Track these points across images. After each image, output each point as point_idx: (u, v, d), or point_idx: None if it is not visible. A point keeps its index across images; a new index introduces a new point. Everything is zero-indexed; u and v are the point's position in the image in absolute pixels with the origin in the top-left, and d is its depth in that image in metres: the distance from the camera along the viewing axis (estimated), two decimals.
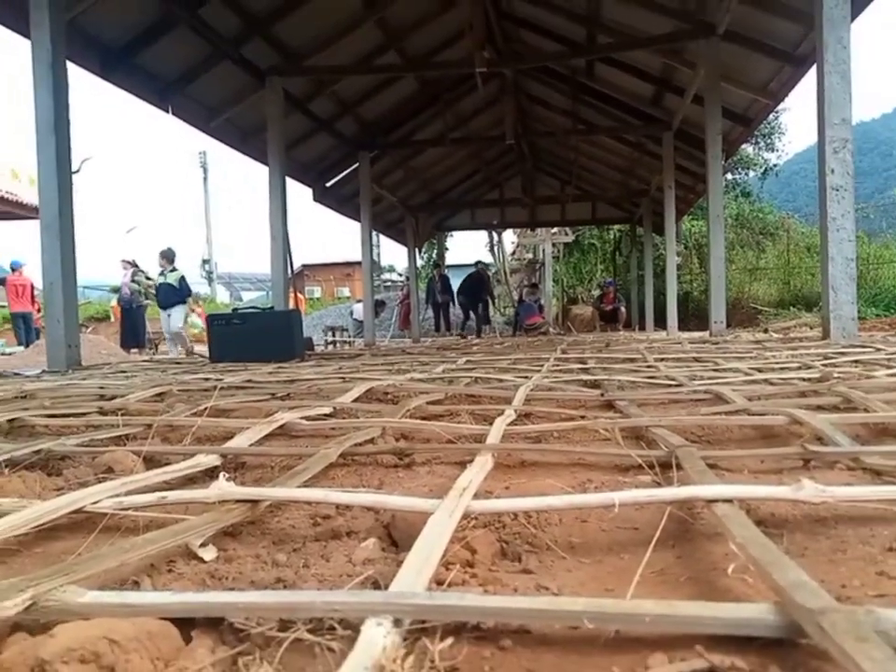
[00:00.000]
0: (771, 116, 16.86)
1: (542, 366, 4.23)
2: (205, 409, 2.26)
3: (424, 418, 2.21)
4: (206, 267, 34.24)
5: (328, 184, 12.07)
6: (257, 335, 5.85)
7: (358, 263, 14.14)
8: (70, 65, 5.94)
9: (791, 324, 10.23)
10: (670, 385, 3.09)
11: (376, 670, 0.60)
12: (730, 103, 9.64)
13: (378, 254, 26.63)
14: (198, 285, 37.04)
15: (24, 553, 1.10)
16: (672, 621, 0.67)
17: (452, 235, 19.94)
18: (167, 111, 8.51)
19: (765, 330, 9.90)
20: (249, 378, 3.80)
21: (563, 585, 0.91)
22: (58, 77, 5.55)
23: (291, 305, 12.80)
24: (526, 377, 3.41)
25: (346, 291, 33.27)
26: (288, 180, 9.83)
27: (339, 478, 1.56)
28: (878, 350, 4.82)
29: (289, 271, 9.20)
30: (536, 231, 17.52)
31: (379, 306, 14.77)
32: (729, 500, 1.08)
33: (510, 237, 20.26)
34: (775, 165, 21.08)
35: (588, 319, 15.48)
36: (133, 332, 12.30)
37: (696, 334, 9.90)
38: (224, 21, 7.95)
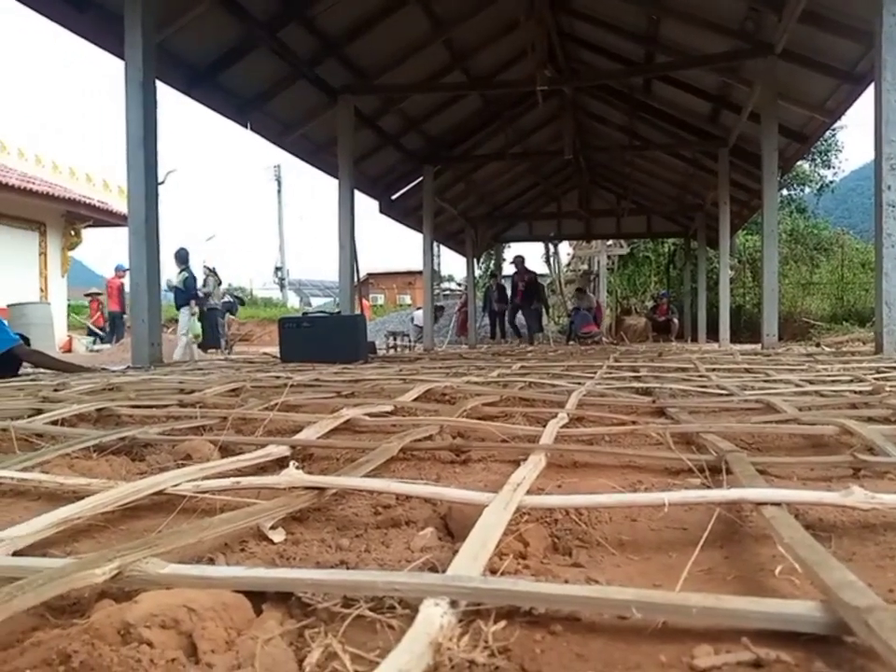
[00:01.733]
0: (828, 133, 16.76)
1: (595, 373, 4.34)
2: (276, 404, 2.36)
3: (480, 418, 2.30)
4: (279, 274, 35.73)
5: (393, 196, 12.56)
6: (324, 337, 6.16)
7: (419, 272, 14.64)
8: (158, 82, 6.24)
9: (843, 339, 10.26)
10: (721, 394, 3.15)
11: (433, 647, 0.63)
12: (786, 120, 9.73)
13: (438, 263, 27.07)
14: (270, 290, 38.40)
15: (111, 529, 1.17)
16: (719, 613, 0.70)
17: (509, 246, 20.31)
18: (245, 126, 9.04)
19: (818, 344, 9.91)
20: (317, 377, 3.98)
21: (611, 579, 0.95)
22: (147, 94, 5.90)
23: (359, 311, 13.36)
24: (579, 383, 3.53)
25: (408, 299, 34.08)
26: (356, 192, 10.33)
27: (399, 471, 1.63)
28: None
29: (356, 278, 9.67)
30: (591, 244, 17.77)
31: (438, 311, 15.20)
32: (777, 504, 1.13)
33: (565, 249, 20.64)
34: (831, 182, 21.03)
35: (641, 330, 15.65)
36: (210, 333, 12.84)
37: (748, 346, 9.99)
38: (301, 42, 8.43)
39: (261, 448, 1.60)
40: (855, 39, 7.63)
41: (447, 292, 24.53)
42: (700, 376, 4.31)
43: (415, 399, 2.84)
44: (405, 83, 9.82)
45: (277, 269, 35.08)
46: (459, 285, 24.44)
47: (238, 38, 8.01)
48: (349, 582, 0.75)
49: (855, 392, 3.20)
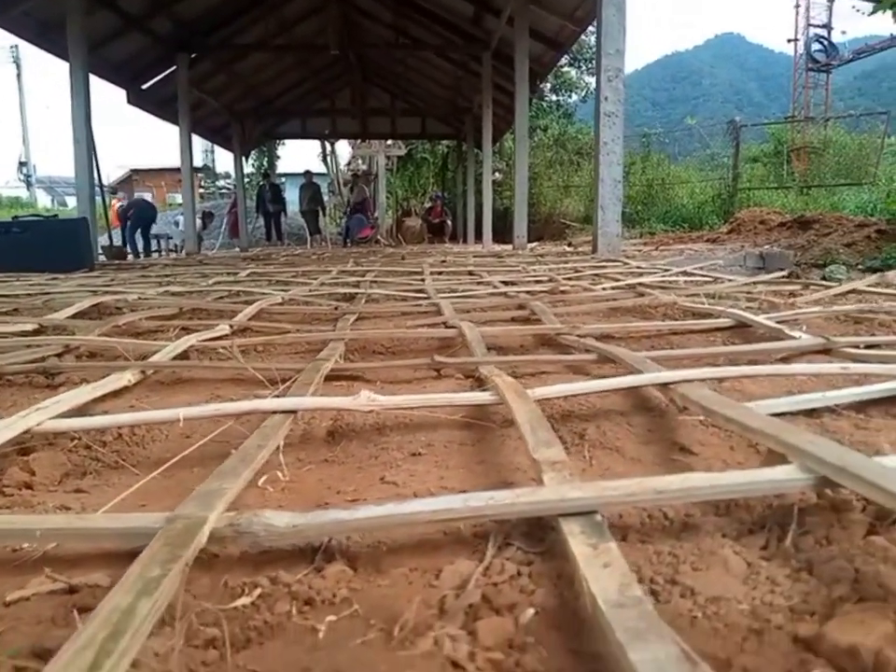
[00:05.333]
0: (593, 41, 17.47)
1: (317, 278, 4.54)
2: None
3: (138, 334, 2.35)
4: (24, 170, 31.59)
5: (144, 86, 11.46)
6: (40, 244, 5.65)
7: (195, 169, 13.76)
8: None
9: (591, 238, 11.11)
10: (417, 299, 3.52)
11: None
12: (542, 27, 10.03)
13: (212, 160, 25.55)
14: (16, 189, 34.06)
15: None
16: (67, 533, 0.79)
17: (283, 143, 19.54)
18: None
19: (569, 244, 10.68)
20: None
21: (93, 503, 1.01)
22: None
23: (111, 212, 12.30)
24: (286, 290, 3.66)
25: (179, 198, 31.76)
26: (103, 81, 9.37)
27: None
28: (625, 264, 5.54)
29: (97, 175, 8.89)
30: (370, 143, 17.58)
31: (206, 217, 14.45)
32: (293, 411, 1.26)
33: (345, 148, 20.21)
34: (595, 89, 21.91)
35: (418, 231, 15.94)
36: None
37: (506, 247, 10.56)
38: None
39: None
40: None
41: (223, 190, 23.32)
42: (420, 280, 4.54)
43: (77, 316, 2.74)
44: None
45: (21, 164, 31.07)
46: (231, 184, 23.30)
47: None
48: None
49: (534, 293, 3.57)
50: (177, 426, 1.34)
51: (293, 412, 1.30)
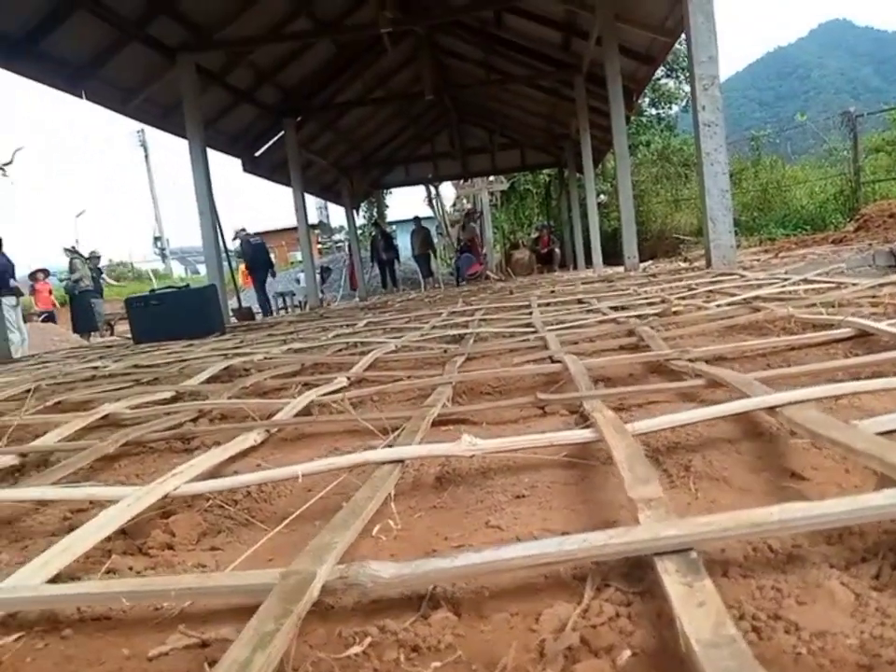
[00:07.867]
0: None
1: (428, 322, 4.65)
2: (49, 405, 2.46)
3: (264, 394, 2.50)
4: (159, 244, 34.44)
5: (256, 153, 12.21)
6: (174, 313, 6.06)
7: (311, 227, 14.47)
8: None
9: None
10: (524, 334, 3.54)
11: None
12: (632, 42, 9.93)
13: (327, 215, 26.65)
14: (153, 262, 36.98)
15: None
16: (197, 592, 0.84)
17: (390, 192, 20.21)
18: (81, 96, 8.57)
19: (685, 259, 10.38)
20: (137, 363, 3.98)
21: (226, 560, 1.06)
22: None
23: (241, 278, 13.07)
24: (400, 336, 3.79)
25: (299, 255, 33.37)
26: (221, 153, 10.03)
27: (121, 468, 1.70)
28: (741, 277, 5.35)
29: (222, 242, 9.49)
30: (472, 182, 17.89)
31: (325, 272, 15.06)
32: (400, 461, 1.31)
33: (449, 190, 20.62)
34: None
35: (527, 263, 15.98)
36: (83, 317, 12.38)
37: (617, 269, 10.39)
38: (125, 1, 8.00)
39: None
40: None
41: (339, 244, 24.31)
42: (527, 314, 4.55)
43: (209, 381, 2.91)
44: (248, 35, 9.46)
45: (156, 239, 33.84)
46: (345, 238, 24.24)
47: (54, 1, 7.51)
48: None
49: (644, 317, 3.51)
50: (300, 481, 1.41)
51: (400, 461, 1.36)
